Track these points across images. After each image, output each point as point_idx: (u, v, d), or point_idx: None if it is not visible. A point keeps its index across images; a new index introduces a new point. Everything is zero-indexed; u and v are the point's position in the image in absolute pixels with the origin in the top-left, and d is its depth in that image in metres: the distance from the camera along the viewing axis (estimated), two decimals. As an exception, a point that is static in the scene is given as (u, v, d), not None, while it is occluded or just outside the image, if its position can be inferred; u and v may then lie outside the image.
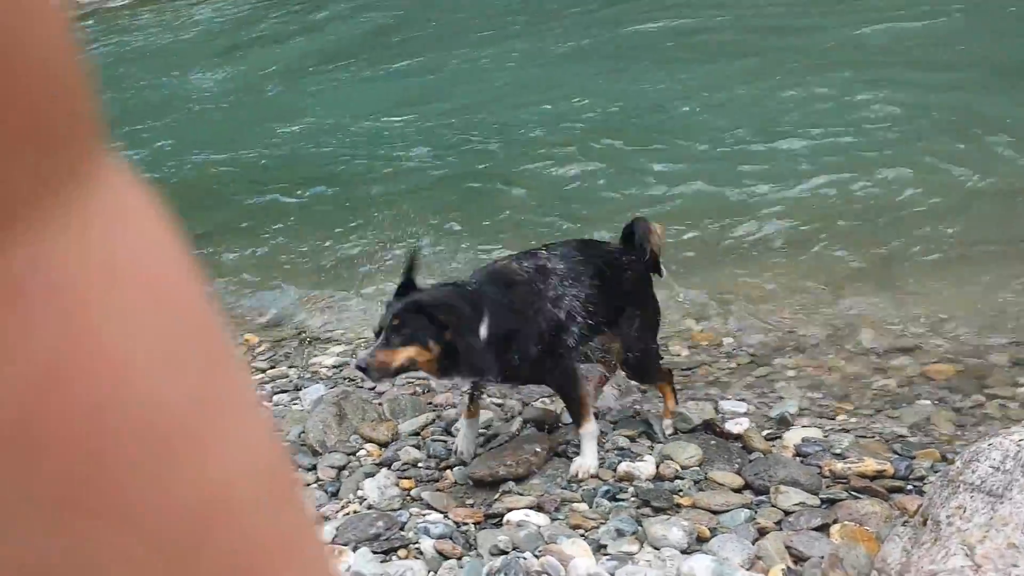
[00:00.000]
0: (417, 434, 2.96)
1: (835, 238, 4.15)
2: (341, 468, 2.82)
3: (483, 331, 2.43)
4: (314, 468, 2.82)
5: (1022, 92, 5.25)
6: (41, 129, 0.23)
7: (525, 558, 2.24)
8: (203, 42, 10.92)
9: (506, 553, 2.29)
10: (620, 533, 2.35)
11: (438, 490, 2.64)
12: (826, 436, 2.77)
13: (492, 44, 8.33)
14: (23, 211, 0.23)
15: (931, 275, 3.74)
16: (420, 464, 2.79)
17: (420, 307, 2.40)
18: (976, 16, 6.65)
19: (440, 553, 2.35)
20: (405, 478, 2.71)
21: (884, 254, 3.97)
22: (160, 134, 7.33)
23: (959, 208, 4.22)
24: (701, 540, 2.32)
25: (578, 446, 2.67)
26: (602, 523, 2.40)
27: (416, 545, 2.39)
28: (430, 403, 3.14)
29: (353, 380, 3.35)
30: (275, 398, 3.39)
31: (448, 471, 2.72)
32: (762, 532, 2.34)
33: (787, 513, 2.40)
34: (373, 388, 3.22)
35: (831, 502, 2.42)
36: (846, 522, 2.33)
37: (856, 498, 2.43)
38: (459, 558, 2.33)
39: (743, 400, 3.01)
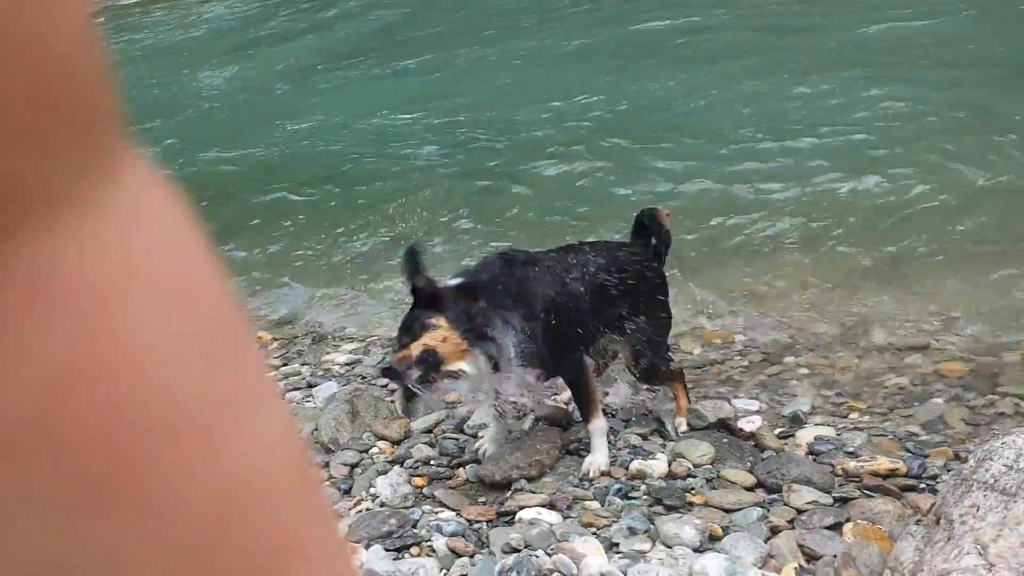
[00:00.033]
0: (429, 432, 2.97)
1: (845, 236, 4.14)
2: (353, 465, 2.83)
3: (504, 323, 2.43)
4: (326, 465, 2.83)
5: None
6: (60, 126, 0.23)
7: (537, 556, 2.25)
8: (213, 40, 10.95)
9: (518, 551, 2.29)
10: (632, 531, 2.35)
11: (450, 488, 2.65)
12: (839, 434, 2.76)
13: (498, 42, 8.33)
14: (41, 209, 0.23)
15: (942, 273, 3.72)
16: (432, 462, 2.79)
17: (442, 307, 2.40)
18: (982, 15, 6.62)
19: (452, 551, 2.35)
20: (417, 476, 2.72)
21: (895, 252, 3.96)
22: (169, 132, 7.35)
23: (969, 206, 4.20)
24: (713, 538, 2.32)
25: (589, 444, 2.68)
26: (614, 521, 2.40)
27: (429, 543, 2.39)
28: (442, 400, 3.15)
29: (366, 378, 3.36)
30: (288, 395, 3.40)
31: (460, 469, 2.72)
32: (775, 531, 2.33)
33: (800, 511, 2.40)
34: (386, 386, 3.23)
35: (844, 501, 2.42)
36: (859, 521, 2.32)
37: (869, 497, 2.42)
38: (471, 556, 2.33)
39: (755, 398, 3.01)
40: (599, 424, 2.64)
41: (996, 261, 3.71)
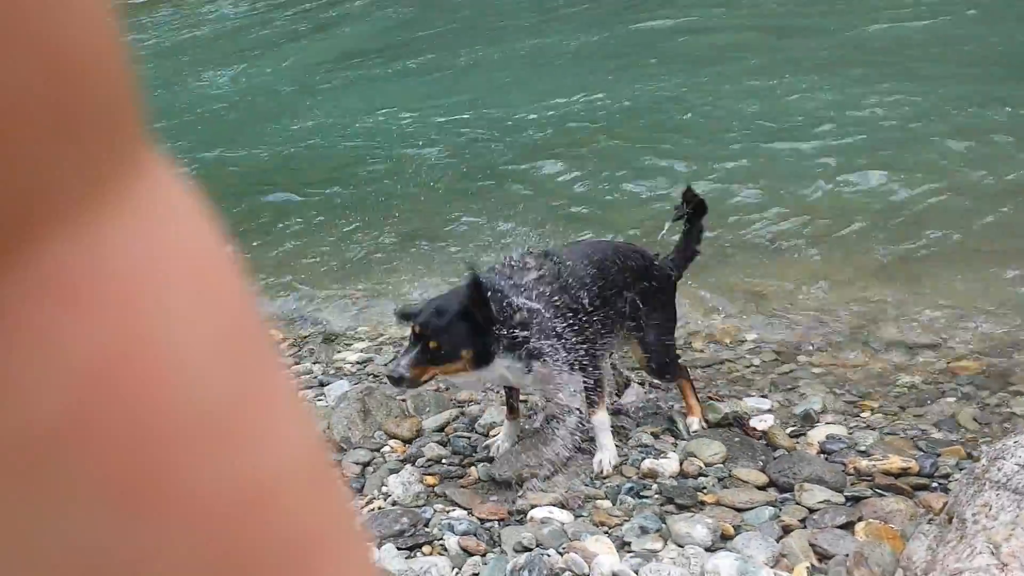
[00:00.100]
0: (441, 430, 2.98)
1: (852, 235, 4.14)
2: (365, 464, 2.83)
3: (518, 322, 2.45)
4: (338, 464, 2.84)
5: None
6: (84, 125, 0.23)
7: (549, 555, 2.25)
8: (219, 40, 10.97)
9: (530, 550, 2.29)
10: (644, 530, 2.35)
11: (462, 487, 2.65)
12: (851, 433, 2.76)
13: (500, 42, 8.34)
14: (75, 208, 0.23)
15: (952, 272, 3.72)
16: (444, 460, 2.80)
17: (453, 312, 2.40)
18: (983, 15, 6.61)
19: (464, 550, 2.36)
20: (429, 474, 2.72)
21: (904, 251, 3.96)
22: (174, 133, 7.37)
23: (976, 205, 4.20)
24: (725, 538, 2.32)
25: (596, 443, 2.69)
26: (626, 520, 2.41)
27: (441, 541, 2.40)
28: (453, 399, 3.16)
29: (377, 376, 3.37)
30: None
31: (472, 468, 2.73)
32: (786, 530, 2.33)
33: (812, 511, 2.40)
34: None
35: (856, 500, 2.41)
36: (871, 520, 2.32)
37: (881, 496, 2.42)
38: (483, 555, 2.33)
39: (767, 397, 3.01)
40: (603, 417, 2.65)
41: (1005, 260, 3.71)
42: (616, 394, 2.95)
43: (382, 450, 2.90)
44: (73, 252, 0.23)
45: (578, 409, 2.64)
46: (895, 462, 2.53)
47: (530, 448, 2.69)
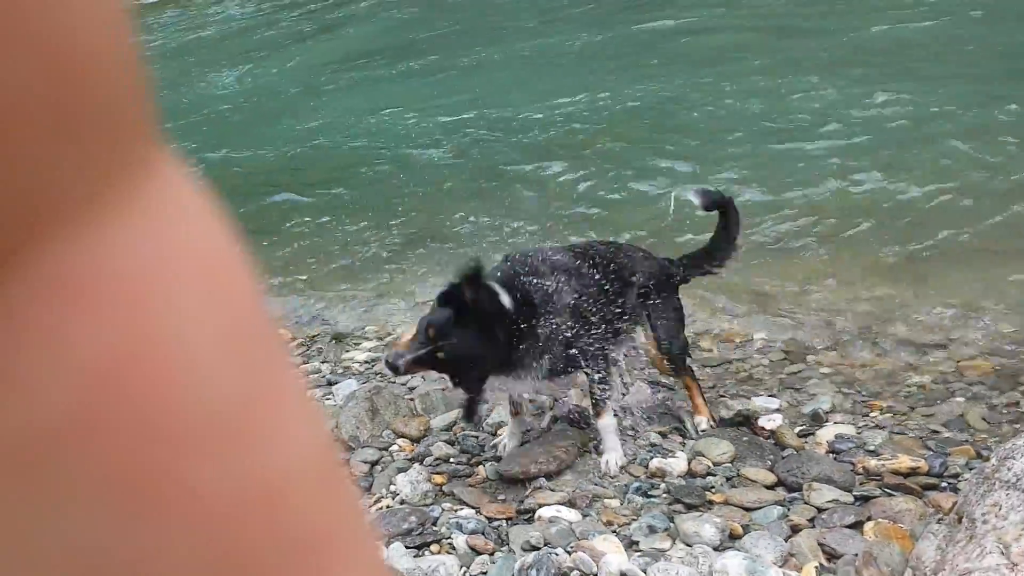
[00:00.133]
0: (449, 429, 2.98)
1: (858, 235, 4.13)
2: (374, 463, 2.84)
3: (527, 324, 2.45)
4: (347, 463, 2.84)
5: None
6: (93, 123, 0.23)
7: (557, 554, 2.25)
8: (225, 41, 11.00)
9: (538, 549, 2.29)
10: (652, 529, 2.35)
11: (470, 486, 2.65)
12: (859, 433, 2.75)
13: (503, 43, 8.36)
14: (78, 208, 0.23)
15: (960, 271, 3.71)
16: (452, 459, 2.80)
17: (471, 334, 2.39)
18: (984, 15, 6.60)
19: (473, 548, 2.36)
20: (437, 473, 2.72)
21: (912, 251, 3.95)
22: (180, 134, 7.38)
23: (981, 205, 4.20)
24: (734, 537, 2.31)
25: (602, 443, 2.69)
26: (634, 519, 2.41)
27: (449, 540, 2.40)
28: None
29: (385, 376, 3.38)
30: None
31: (480, 467, 2.73)
32: (795, 529, 2.33)
33: (820, 510, 2.39)
34: (405, 383, 3.24)
35: (865, 499, 2.41)
36: (880, 519, 2.32)
37: (890, 495, 2.41)
38: (491, 554, 2.33)
39: (775, 396, 3.01)
40: (609, 420, 2.66)
41: (1014, 259, 3.70)
42: (622, 394, 2.95)
43: (390, 449, 2.90)
44: (78, 252, 0.23)
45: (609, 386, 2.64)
46: (904, 461, 2.53)
47: (539, 447, 2.69)
